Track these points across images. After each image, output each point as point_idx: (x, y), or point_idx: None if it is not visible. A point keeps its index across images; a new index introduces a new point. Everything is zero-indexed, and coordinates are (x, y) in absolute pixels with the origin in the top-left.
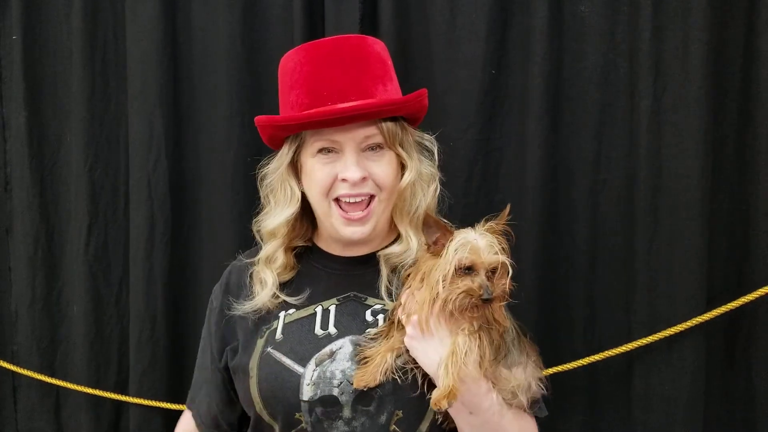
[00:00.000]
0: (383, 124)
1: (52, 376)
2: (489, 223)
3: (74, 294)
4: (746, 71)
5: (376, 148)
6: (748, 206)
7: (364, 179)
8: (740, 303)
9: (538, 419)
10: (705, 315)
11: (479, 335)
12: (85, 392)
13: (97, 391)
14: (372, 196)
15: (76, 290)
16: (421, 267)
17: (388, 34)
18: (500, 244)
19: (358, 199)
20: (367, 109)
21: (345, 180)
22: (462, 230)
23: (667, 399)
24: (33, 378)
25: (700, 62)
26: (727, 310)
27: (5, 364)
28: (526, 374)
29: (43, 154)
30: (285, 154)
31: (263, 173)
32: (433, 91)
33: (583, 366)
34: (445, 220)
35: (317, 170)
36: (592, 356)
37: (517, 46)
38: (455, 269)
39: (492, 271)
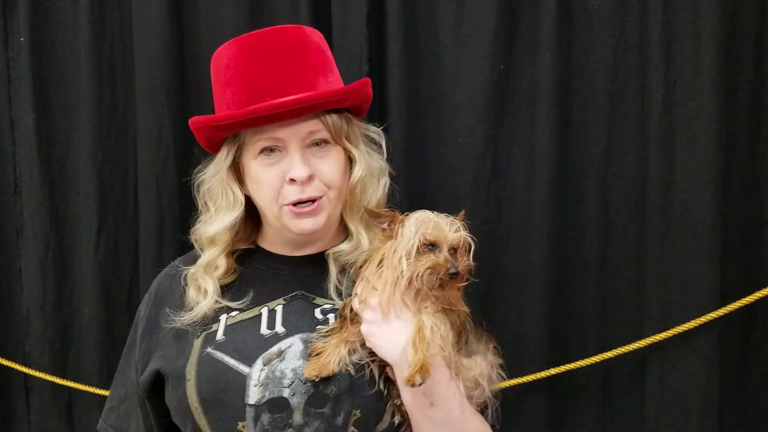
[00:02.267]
0: (327, 118)
1: (64, 377)
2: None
3: (85, 295)
4: (759, 62)
5: (321, 143)
6: (763, 200)
7: (311, 177)
8: (755, 298)
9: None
10: (719, 311)
11: (442, 316)
12: (97, 393)
13: (108, 392)
14: (320, 196)
15: (87, 291)
16: (378, 252)
17: (396, 31)
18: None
19: (305, 197)
20: (311, 101)
21: (293, 180)
22: (415, 212)
23: (681, 396)
24: (45, 379)
25: (712, 53)
26: (742, 305)
27: (18, 366)
28: (485, 362)
29: (52, 156)
30: (224, 157)
31: (199, 179)
32: (441, 87)
33: (596, 363)
34: (389, 206)
35: (262, 173)
36: (605, 353)
37: (525, 41)
38: (419, 245)
39: (453, 249)
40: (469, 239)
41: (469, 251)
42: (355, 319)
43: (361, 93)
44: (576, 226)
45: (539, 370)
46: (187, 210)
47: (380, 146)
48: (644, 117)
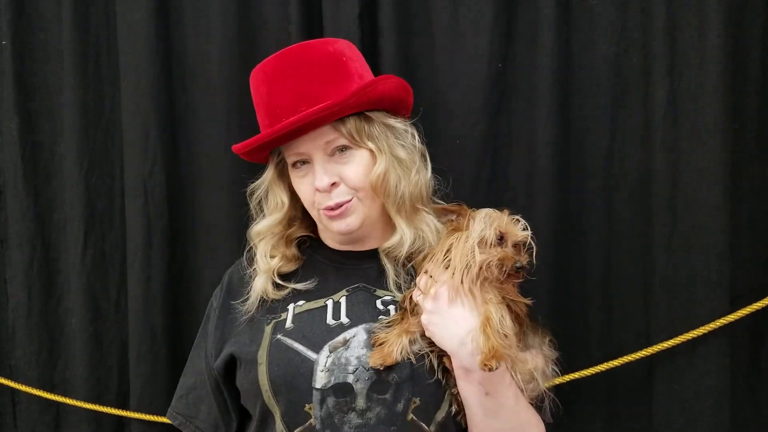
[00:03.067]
0: (341, 126)
1: (51, 390)
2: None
3: (72, 305)
4: (767, 57)
5: (343, 149)
6: None
7: (334, 185)
8: (767, 303)
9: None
10: (729, 316)
11: (505, 308)
12: (86, 408)
13: (98, 406)
14: (350, 200)
15: (74, 301)
16: (444, 244)
17: (389, 28)
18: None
19: (336, 209)
20: (306, 118)
21: (318, 189)
22: (480, 209)
23: (690, 405)
24: (32, 394)
25: (717, 49)
26: (753, 310)
27: (4, 381)
28: (541, 356)
29: (37, 162)
30: (269, 171)
31: (251, 189)
32: (437, 86)
33: (601, 372)
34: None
35: (298, 185)
36: (610, 362)
37: (524, 38)
38: (493, 237)
39: (515, 246)
40: (532, 240)
41: (530, 251)
42: (415, 310)
43: (362, 96)
44: (578, 230)
45: None
46: (176, 218)
47: (412, 135)
48: (648, 115)
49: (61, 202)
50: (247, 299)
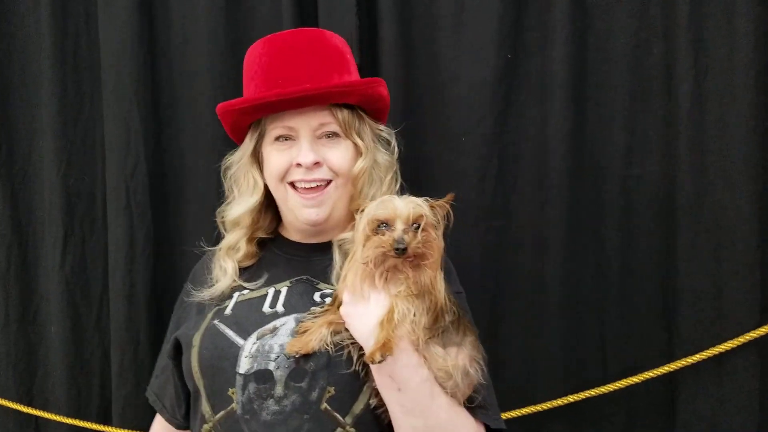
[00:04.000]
0: (338, 112)
1: (30, 403)
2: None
3: (51, 313)
4: None
5: (332, 135)
6: None
7: (317, 164)
8: None
9: (490, 430)
10: (759, 330)
11: (417, 301)
12: (66, 423)
13: (79, 421)
14: (328, 182)
15: (53, 309)
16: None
17: (388, 15)
18: (432, 210)
19: (313, 185)
20: (316, 90)
21: (299, 165)
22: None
23: (716, 426)
24: (10, 407)
25: (746, 39)
26: None
27: None
28: (462, 354)
29: (14, 160)
30: (247, 143)
31: (227, 164)
32: (438, 79)
33: (619, 390)
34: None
35: (273, 156)
36: (629, 378)
37: (534, 26)
38: (372, 227)
39: (415, 227)
40: (428, 214)
41: (442, 230)
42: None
43: (368, 89)
44: (594, 235)
45: (555, 397)
46: (160, 218)
47: (391, 146)
48: (671, 111)
49: (39, 204)
50: (206, 286)
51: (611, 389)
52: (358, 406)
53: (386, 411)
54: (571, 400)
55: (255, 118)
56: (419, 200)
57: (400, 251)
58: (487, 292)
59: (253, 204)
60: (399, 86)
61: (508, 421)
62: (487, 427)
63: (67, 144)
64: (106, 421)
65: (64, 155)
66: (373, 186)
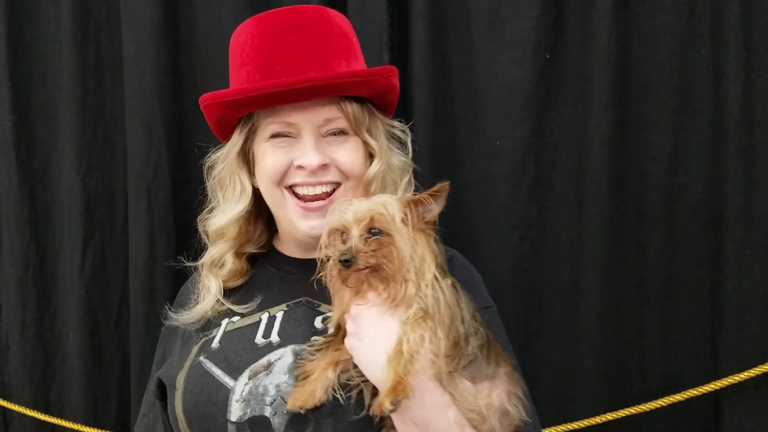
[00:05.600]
0: (347, 105)
1: (46, 411)
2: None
3: (69, 319)
4: None
5: (338, 133)
6: None
7: (324, 166)
8: None
9: None
10: None
11: (429, 322)
12: (82, 431)
13: (96, 430)
14: (336, 185)
15: (71, 315)
16: None
17: (420, 13)
18: (411, 207)
19: (318, 190)
20: (328, 80)
21: (301, 167)
22: None
23: None
24: (26, 414)
25: None
26: None
27: None
28: (496, 390)
29: (33, 162)
30: (235, 140)
31: (210, 162)
32: (473, 79)
33: (660, 408)
34: None
35: (269, 155)
36: (671, 396)
37: (575, 25)
38: (330, 238)
39: (374, 232)
40: (392, 214)
41: (424, 227)
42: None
43: (383, 79)
44: (635, 245)
45: (592, 415)
46: (182, 223)
47: (405, 145)
48: (718, 115)
49: (58, 206)
50: (187, 308)
51: (652, 407)
52: None
53: None
54: (610, 418)
55: (246, 112)
56: (384, 199)
57: (345, 263)
58: (520, 305)
59: (239, 212)
60: (431, 88)
61: None
62: None
63: (87, 145)
64: (124, 430)
65: (84, 156)
66: (386, 191)
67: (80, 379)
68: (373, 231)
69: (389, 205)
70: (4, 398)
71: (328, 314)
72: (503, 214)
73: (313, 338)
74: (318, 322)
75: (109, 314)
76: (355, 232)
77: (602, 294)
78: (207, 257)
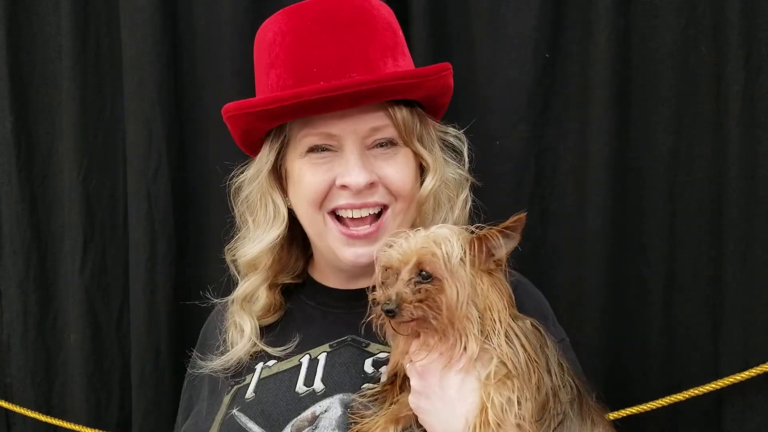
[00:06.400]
0: (396, 111)
1: (48, 413)
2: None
3: (70, 321)
4: None
5: (386, 144)
6: None
7: (372, 185)
8: None
9: None
10: None
11: (516, 381)
12: None
13: (97, 431)
14: (384, 207)
15: (73, 316)
16: None
17: (420, 11)
18: (474, 245)
19: (363, 213)
20: (375, 84)
21: (345, 187)
22: None
23: None
24: (28, 416)
25: None
26: None
27: None
28: None
29: (33, 164)
30: (265, 156)
31: (237, 184)
32: (473, 79)
33: (662, 408)
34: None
35: (306, 173)
36: (673, 396)
37: (575, 23)
38: (382, 277)
39: (424, 275)
40: (449, 254)
41: (493, 267)
42: (406, 382)
43: (440, 80)
44: (637, 244)
45: None
46: (182, 224)
47: (460, 154)
48: (719, 113)
49: (59, 208)
50: (217, 352)
51: (654, 407)
52: None
53: None
54: (612, 417)
55: (278, 123)
56: (443, 233)
57: (389, 314)
58: None
59: (274, 239)
60: None
61: None
62: None
63: (87, 147)
64: (126, 431)
65: (84, 159)
66: (440, 210)
67: (82, 380)
68: (424, 274)
69: (446, 242)
70: (7, 400)
71: (379, 355)
72: (504, 214)
73: (363, 385)
74: (368, 366)
75: (110, 316)
76: (404, 275)
77: (604, 293)
78: (239, 292)
